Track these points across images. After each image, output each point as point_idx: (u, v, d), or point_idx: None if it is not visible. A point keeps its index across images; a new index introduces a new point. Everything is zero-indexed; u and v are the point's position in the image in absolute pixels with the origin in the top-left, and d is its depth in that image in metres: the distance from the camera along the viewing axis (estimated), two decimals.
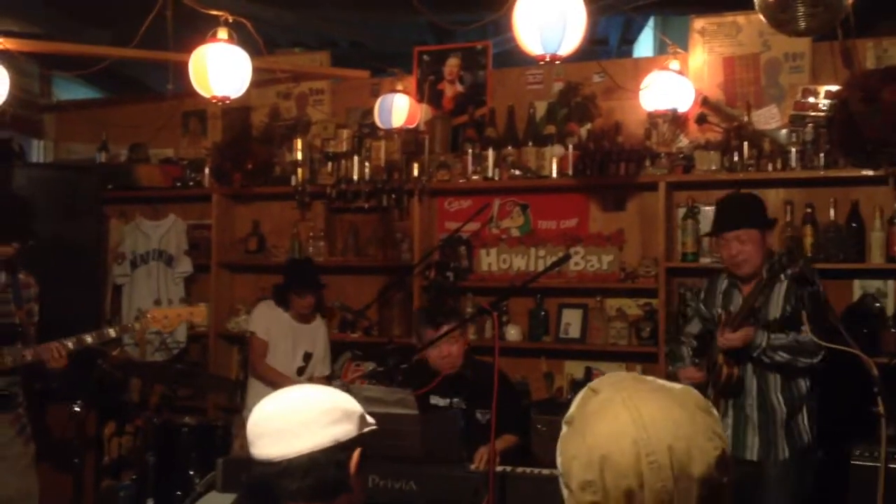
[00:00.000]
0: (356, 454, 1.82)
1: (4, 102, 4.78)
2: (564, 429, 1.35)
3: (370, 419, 1.90)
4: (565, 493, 1.33)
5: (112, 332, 4.07)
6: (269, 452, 1.77)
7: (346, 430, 1.81)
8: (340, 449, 1.79)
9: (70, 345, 3.85)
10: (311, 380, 5.05)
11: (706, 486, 1.25)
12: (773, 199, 4.94)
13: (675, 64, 5.02)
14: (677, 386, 1.36)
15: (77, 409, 4.31)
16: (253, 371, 5.18)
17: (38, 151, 6.79)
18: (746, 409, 3.69)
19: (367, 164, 5.64)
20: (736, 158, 4.90)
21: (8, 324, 3.90)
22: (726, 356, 3.61)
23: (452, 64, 5.74)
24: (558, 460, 1.34)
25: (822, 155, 4.70)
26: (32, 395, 4.16)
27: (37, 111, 6.68)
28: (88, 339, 3.92)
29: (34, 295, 4.06)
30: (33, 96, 6.60)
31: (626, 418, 1.27)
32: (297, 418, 1.78)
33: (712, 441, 1.28)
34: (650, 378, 1.39)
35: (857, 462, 3.77)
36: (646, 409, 1.28)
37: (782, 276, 3.58)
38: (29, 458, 4.03)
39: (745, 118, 4.97)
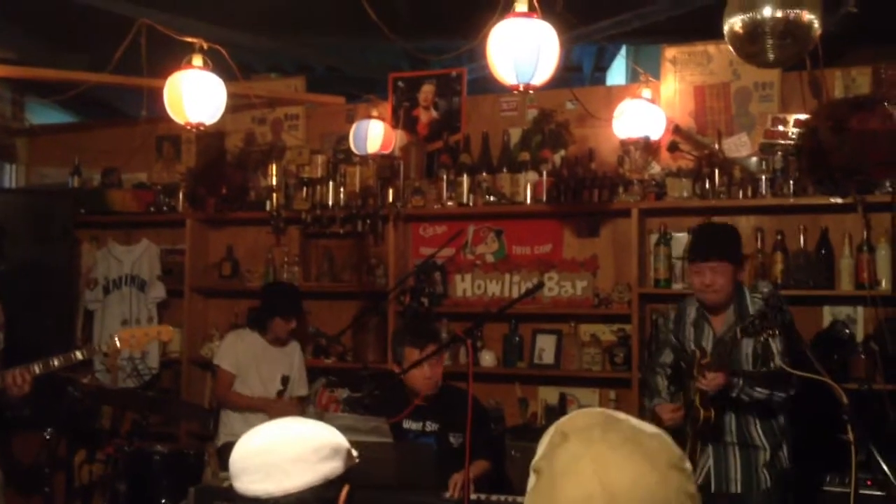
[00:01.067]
0: (344, 491, 1.75)
1: None
2: (533, 478, 1.32)
3: (354, 452, 1.83)
4: None
5: (79, 355, 3.95)
6: (255, 489, 1.69)
7: (335, 468, 1.74)
8: (327, 487, 1.72)
9: (36, 369, 3.77)
10: (290, 401, 5.06)
11: None
12: (743, 226, 5.00)
13: (646, 92, 5.08)
14: (649, 430, 1.31)
15: (47, 436, 4.26)
16: (219, 401, 5.14)
17: (9, 176, 6.74)
18: (727, 447, 3.65)
19: (341, 189, 5.65)
20: (707, 186, 4.96)
21: None
22: (702, 398, 3.54)
23: (427, 90, 5.77)
24: None
25: (791, 183, 4.77)
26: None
27: (9, 135, 6.63)
28: (55, 362, 3.83)
29: (0, 323, 4.00)
30: (5, 120, 6.56)
31: (595, 485, 1.23)
32: (287, 455, 1.70)
33: None
34: (623, 419, 1.33)
35: (827, 488, 3.80)
36: (615, 473, 1.24)
37: (749, 309, 3.61)
38: None
39: (716, 146, 5.03)
